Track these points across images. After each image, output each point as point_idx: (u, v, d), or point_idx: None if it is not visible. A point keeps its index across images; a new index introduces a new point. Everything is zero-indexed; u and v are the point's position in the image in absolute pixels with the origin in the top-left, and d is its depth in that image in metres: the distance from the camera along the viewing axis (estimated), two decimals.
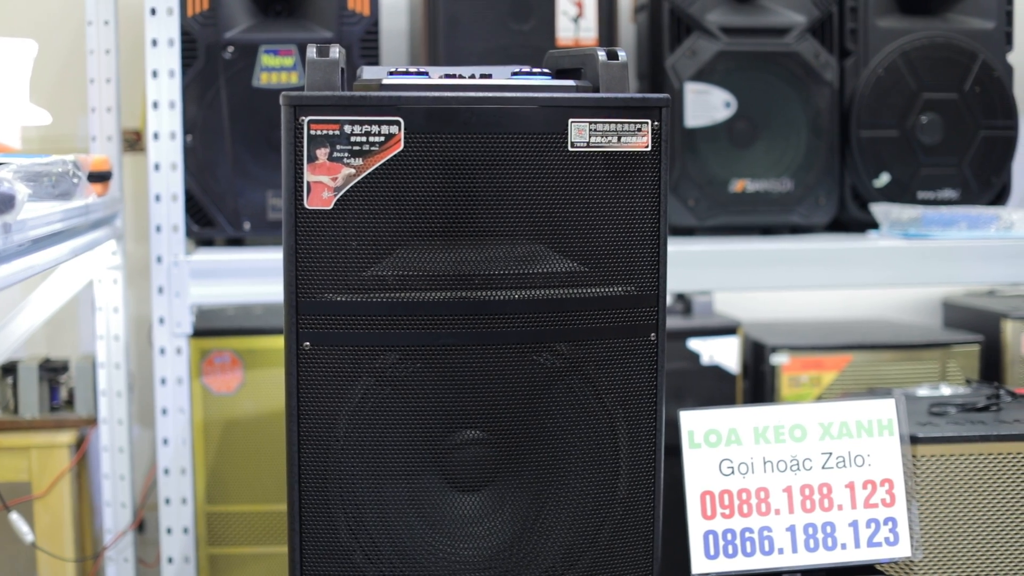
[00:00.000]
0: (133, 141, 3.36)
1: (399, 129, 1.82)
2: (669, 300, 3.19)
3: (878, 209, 3.06)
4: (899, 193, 3.14)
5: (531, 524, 1.94)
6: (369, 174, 1.82)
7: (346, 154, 1.81)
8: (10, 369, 3.06)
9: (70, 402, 3.10)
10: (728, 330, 3.01)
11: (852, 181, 3.13)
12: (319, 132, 1.81)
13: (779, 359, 3.01)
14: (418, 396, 1.87)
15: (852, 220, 3.16)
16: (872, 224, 3.10)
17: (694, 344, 2.97)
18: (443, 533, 1.92)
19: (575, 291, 1.90)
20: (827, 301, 3.66)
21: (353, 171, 1.81)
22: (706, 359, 2.98)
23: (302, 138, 1.81)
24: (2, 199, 1.76)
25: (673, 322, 3.01)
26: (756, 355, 3.09)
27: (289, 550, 1.89)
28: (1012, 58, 3.23)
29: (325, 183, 1.81)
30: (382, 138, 1.81)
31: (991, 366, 3.19)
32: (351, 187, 1.81)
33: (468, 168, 1.84)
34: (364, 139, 1.81)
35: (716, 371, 2.98)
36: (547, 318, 1.89)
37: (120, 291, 3.04)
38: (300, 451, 1.87)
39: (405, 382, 1.87)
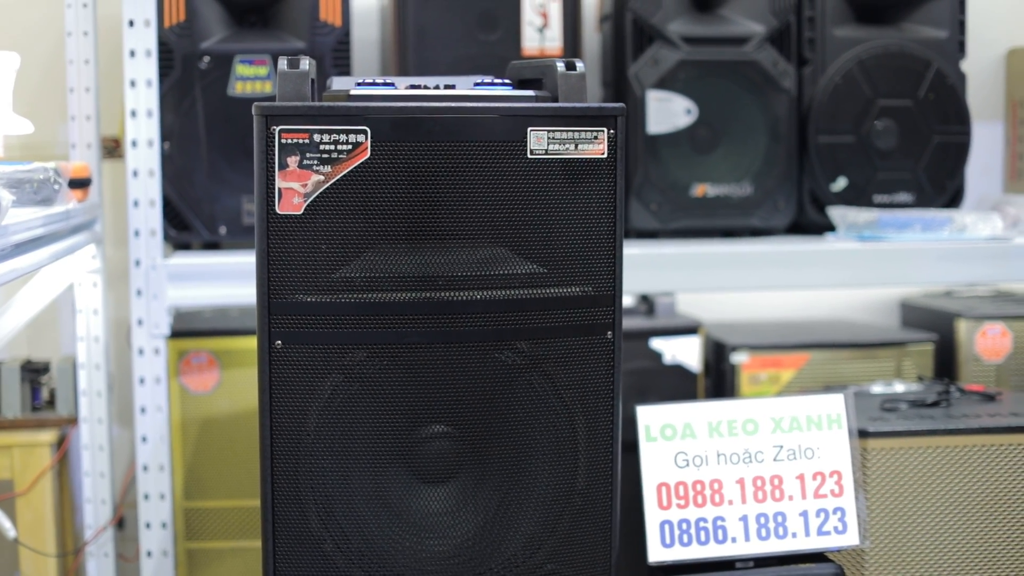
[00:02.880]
0: (112, 148, 3.42)
1: (366, 138, 1.88)
2: (633, 301, 3.28)
3: (835, 212, 3.13)
4: (856, 197, 3.21)
5: (494, 514, 2.00)
6: (337, 181, 1.88)
7: (315, 161, 1.88)
8: None
9: (51, 402, 3.15)
10: (690, 330, 3.08)
11: (810, 185, 3.20)
12: (290, 141, 1.88)
13: (739, 358, 3.10)
14: (385, 392, 1.93)
15: (810, 223, 3.23)
16: (830, 227, 3.17)
17: (657, 344, 3.05)
18: (410, 523, 1.98)
19: (535, 291, 1.96)
20: (787, 303, 3.73)
21: (322, 178, 1.88)
22: (668, 358, 3.06)
23: (273, 146, 1.88)
24: None
25: (636, 322, 3.09)
26: (717, 354, 3.17)
27: (262, 540, 1.95)
28: (965, 66, 3.30)
29: (295, 189, 1.88)
30: (349, 146, 1.88)
31: (945, 364, 3.28)
32: (320, 193, 1.88)
33: (432, 175, 1.90)
34: (332, 147, 1.88)
35: (678, 370, 3.06)
36: (508, 317, 1.95)
37: (100, 294, 3.09)
38: (272, 445, 1.92)
39: (373, 379, 1.92)
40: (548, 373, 1.99)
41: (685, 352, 3.06)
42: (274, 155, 1.88)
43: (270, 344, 1.91)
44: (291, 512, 1.95)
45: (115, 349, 3.36)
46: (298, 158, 1.88)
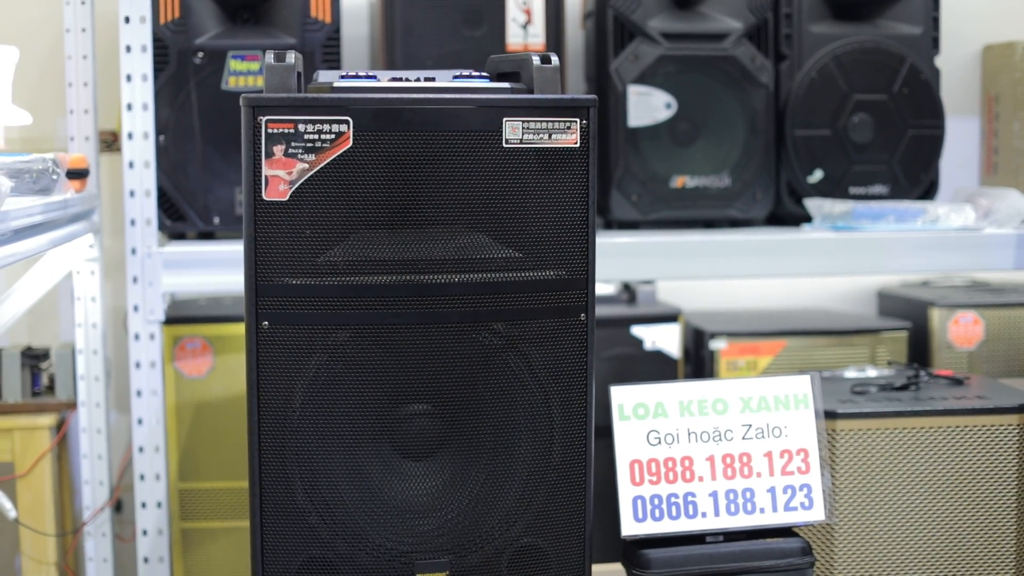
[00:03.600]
0: (110, 142, 3.50)
1: (348, 128, 1.95)
2: (615, 290, 3.37)
3: (812, 204, 3.22)
4: (832, 189, 3.29)
5: (473, 488, 2.06)
6: (321, 168, 1.95)
7: (300, 150, 1.95)
8: None
9: (51, 387, 3.23)
10: (670, 317, 3.17)
11: (788, 177, 3.29)
12: (276, 131, 1.95)
13: (718, 344, 3.18)
14: (368, 371, 1.99)
15: (788, 214, 3.31)
16: (807, 218, 3.25)
17: (637, 331, 3.14)
18: (392, 496, 2.03)
19: (511, 275, 2.03)
20: (766, 293, 3.81)
21: (307, 166, 1.95)
22: (649, 344, 3.14)
23: (260, 136, 1.94)
24: None
25: (618, 310, 3.17)
26: (696, 341, 3.26)
27: (250, 513, 2.01)
28: (941, 62, 3.38)
29: (281, 177, 1.95)
30: (333, 136, 1.96)
31: (919, 351, 3.36)
32: (305, 180, 1.94)
33: (412, 163, 1.97)
34: (316, 137, 1.95)
35: (659, 356, 3.15)
36: (485, 300, 2.02)
37: (97, 282, 3.17)
38: (260, 421, 1.98)
39: (356, 358, 1.99)
40: (524, 353, 2.05)
41: (665, 339, 3.14)
42: (261, 144, 1.94)
43: (257, 325, 1.97)
44: (278, 486, 2.00)
45: (112, 337, 3.44)
46: (284, 147, 1.95)
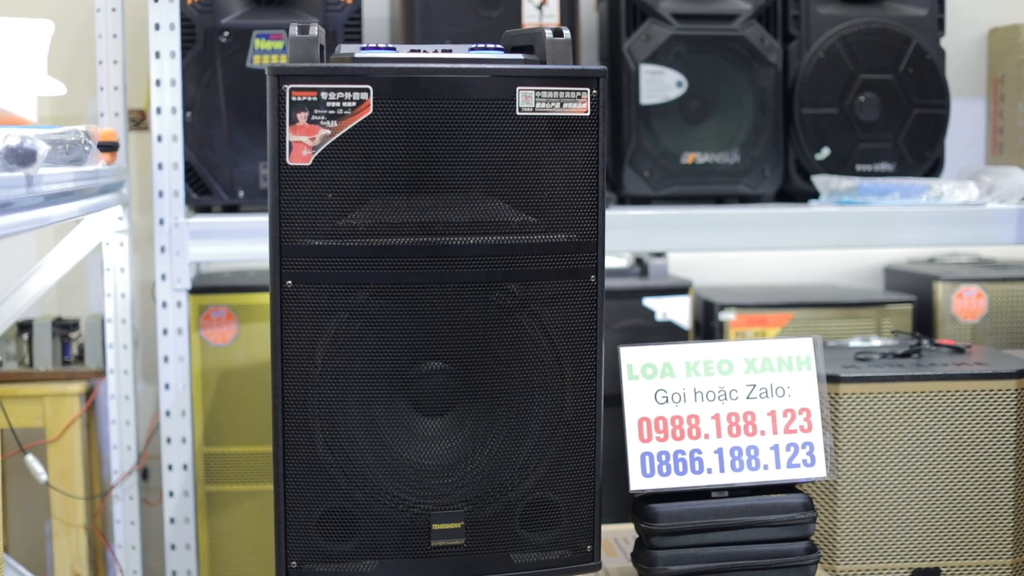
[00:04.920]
0: (138, 120, 3.59)
1: (369, 95, 2.03)
2: (627, 263, 3.45)
3: (819, 180, 3.29)
4: (839, 166, 3.36)
5: (487, 443, 2.14)
6: (343, 135, 2.03)
7: (323, 117, 2.03)
8: (26, 326, 3.29)
9: (80, 357, 3.33)
10: (680, 290, 3.25)
11: (795, 155, 3.36)
12: (299, 98, 2.03)
13: (727, 316, 3.26)
14: (386, 329, 2.07)
15: (796, 191, 3.38)
16: (815, 195, 3.32)
17: (649, 302, 3.21)
18: (408, 450, 2.11)
19: (524, 238, 2.11)
20: (774, 269, 3.89)
21: (329, 132, 2.03)
22: (660, 316, 3.22)
23: (285, 104, 2.02)
24: (25, 153, 2.02)
25: (630, 282, 3.25)
26: (706, 312, 3.33)
27: (273, 464, 2.09)
28: (945, 44, 3.45)
29: (304, 143, 2.03)
30: (354, 103, 2.03)
31: (924, 324, 3.43)
32: (327, 146, 2.03)
33: (429, 130, 2.05)
34: (338, 104, 2.03)
35: (669, 327, 3.22)
36: (499, 261, 2.10)
37: (126, 253, 3.26)
38: (283, 377, 2.06)
39: (375, 317, 2.06)
40: (536, 313, 2.13)
41: (676, 310, 3.22)
42: (285, 111, 2.02)
43: (281, 284, 2.05)
44: (300, 439, 2.08)
45: (140, 311, 3.53)
46: (307, 114, 2.03)
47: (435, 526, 2.14)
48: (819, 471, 2.36)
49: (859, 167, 3.37)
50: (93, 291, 3.64)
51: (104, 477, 3.52)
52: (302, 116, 2.04)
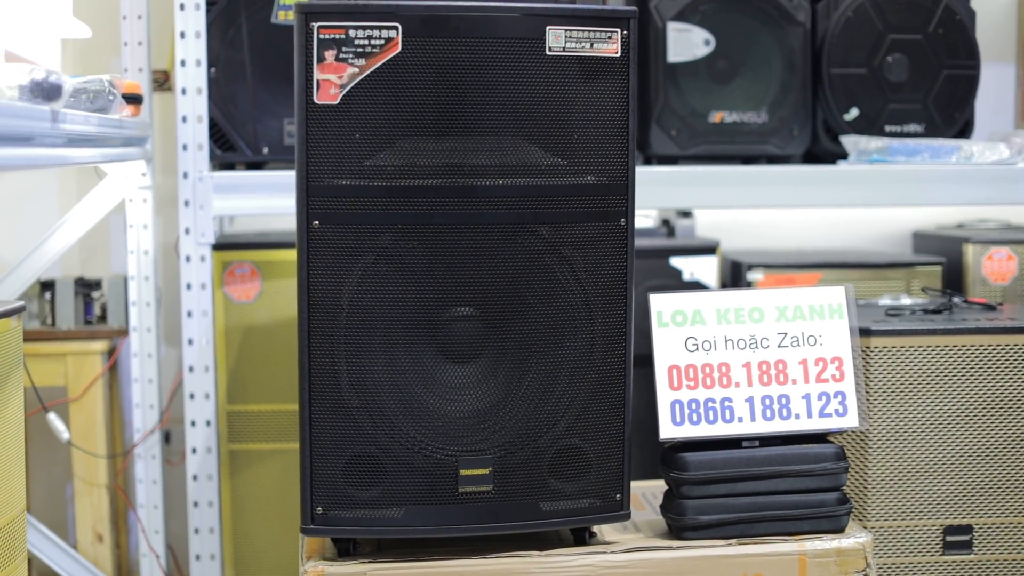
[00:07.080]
0: (161, 80, 3.58)
1: (397, 33, 2.03)
2: (654, 223, 3.43)
3: (848, 140, 3.26)
4: (868, 127, 3.32)
5: (516, 389, 2.13)
6: (371, 73, 2.03)
7: (351, 55, 2.02)
8: (48, 285, 3.29)
9: (103, 317, 3.32)
10: (708, 250, 3.23)
11: (824, 115, 3.32)
12: (327, 36, 2.03)
13: (755, 276, 3.24)
14: (414, 272, 2.07)
15: (824, 152, 3.35)
16: (843, 156, 3.28)
17: (676, 262, 3.19)
18: (437, 397, 2.11)
19: (553, 180, 2.10)
20: (803, 234, 3.86)
21: (356, 70, 2.03)
22: (687, 275, 3.20)
23: (312, 42, 2.02)
24: (51, 88, 2.01)
25: (658, 242, 3.24)
26: (734, 273, 3.31)
27: (299, 406, 2.08)
28: (978, 8, 3.43)
29: (332, 81, 2.03)
30: (382, 41, 2.03)
31: (953, 286, 3.39)
32: (355, 84, 2.02)
33: (458, 69, 2.04)
34: (366, 42, 2.02)
35: (697, 287, 3.19)
36: (528, 203, 2.09)
37: (150, 210, 3.23)
38: (310, 319, 2.06)
39: (402, 260, 2.06)
40: (566, 256, 2.12)
41: (703, 270, 3.20)
42: (313, 49, 2.02)
43: (308, 224, 2.05)
44: (326, 381, 2.08)
45: (163, 271, 3.52)
46: (335, 52, 2.02)
47: (463, 472, 2.13)
48: (851, 420, 2.34)
49: (888, 128, 3.34)
50: (116, 253, 3.63)
51: (126, 438, 3.51)
52: (330, 54, 2.03)
